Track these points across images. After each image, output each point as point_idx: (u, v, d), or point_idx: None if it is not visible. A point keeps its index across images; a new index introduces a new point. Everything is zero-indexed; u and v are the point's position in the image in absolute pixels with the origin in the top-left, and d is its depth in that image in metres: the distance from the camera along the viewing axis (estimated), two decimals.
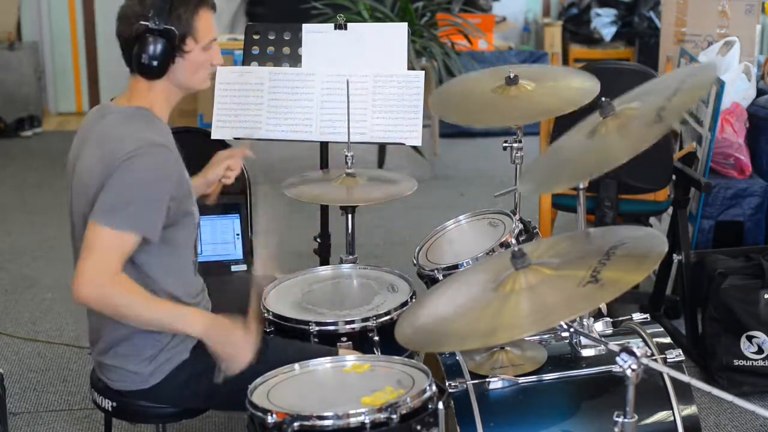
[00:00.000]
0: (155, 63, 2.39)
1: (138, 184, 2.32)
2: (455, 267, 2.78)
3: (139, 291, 2.34)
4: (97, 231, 2.30)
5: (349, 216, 3.06)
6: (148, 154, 2.33)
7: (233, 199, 3.57)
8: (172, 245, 2.43)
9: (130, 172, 2.31)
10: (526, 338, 2.44)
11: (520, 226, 2.90)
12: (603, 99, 2.33)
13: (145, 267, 2.40)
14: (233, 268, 3.63)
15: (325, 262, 3.43)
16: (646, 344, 2.38)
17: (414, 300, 2.66)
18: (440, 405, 2.09)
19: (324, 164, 3.48)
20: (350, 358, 2.31)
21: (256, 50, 3.39)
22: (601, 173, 2.22)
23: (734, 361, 3.52)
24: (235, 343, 2.37)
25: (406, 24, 3.33)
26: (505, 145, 3.05)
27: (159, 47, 2.38)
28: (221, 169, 2.83)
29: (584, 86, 2.83)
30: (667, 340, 2.43)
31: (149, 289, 2.38)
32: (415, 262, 2.93)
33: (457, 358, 2.38)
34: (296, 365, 2.29)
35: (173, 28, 2.39)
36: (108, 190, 2.31)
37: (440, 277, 2.76)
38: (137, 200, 2.32)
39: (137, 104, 2.45)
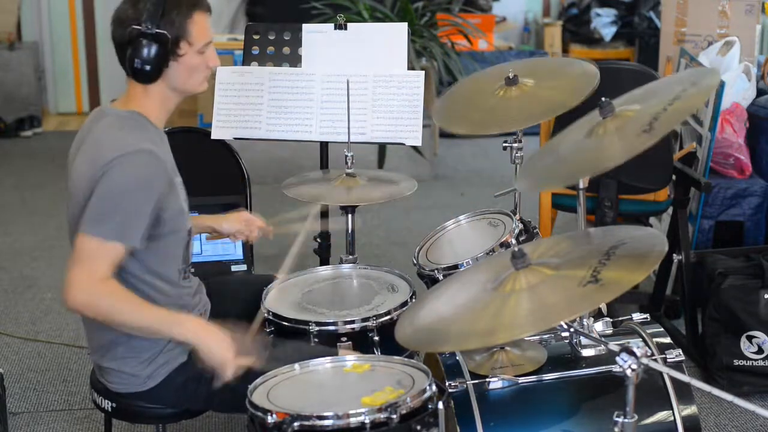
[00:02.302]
0: (148, 67, 2.36)
1: (121, 194, 2.31)
2: (455, 267, 2.78)
3: (129, 297, 2.33)
4: (85, 240, 2.31)
5: (349, 216, 3.06)
6: (128, 162, 2.31)
7: (233, 199, 3.57)
8: (156, 253, 2.41)
9: (112, 180, 2.30)
10: (526, 338, 2.44)
11: (520, 226, 2.90)
12: (603, 99, 2.32)
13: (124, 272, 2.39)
14: (233, 268, 3.63)
15: (325, 262, 3.43)
16: (646, 344, 2.38)
17: (414, 300, 2.66)
18: (440, 405, 2.09)
19: (324, 164, 3.48)
20: (350, 358, 2.31)
21: (256, 50, 3.39)
22: (595, 174, 2.23)
23: (734, 361, 3.52)
24: (223, 352, 2.32)
25: (406, 24, 3.33)
26: (505, 145, 3.05)
27: (152, 51, 2.35)
28: (234, 228, 2.83)
29: (583, 72, 2.81)
30: (667, 340, 2.42)
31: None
32: (415, 262, 2.93)
33: (457, 358, 2.38)
34: (296, 365, 2.29)
35: (166, 32, 2.35)
36: (94, 199, 2.31)
37: (440, 277, 2.76)
38: (122, 210, 2.31)
39: (133, 108, 2.43)
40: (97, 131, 2.41)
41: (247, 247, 3.63)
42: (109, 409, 2.55)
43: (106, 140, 2.36)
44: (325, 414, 2.04)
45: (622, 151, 2.14)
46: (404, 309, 2.58)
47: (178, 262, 2.48)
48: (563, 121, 2.89)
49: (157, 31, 2.35)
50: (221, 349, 2.33)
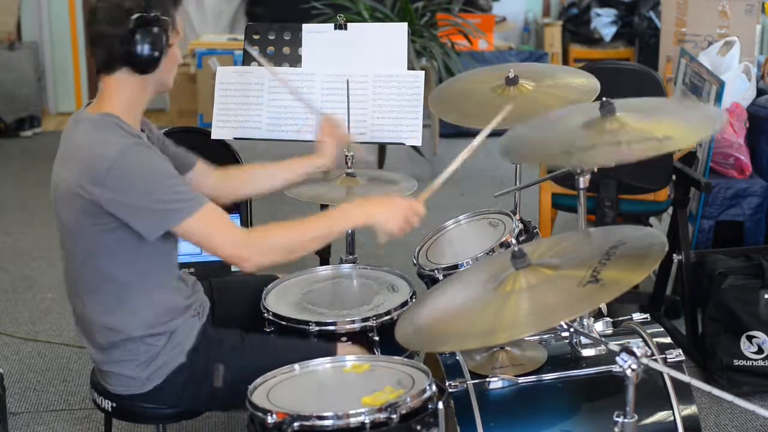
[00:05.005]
0: (156, 54, 2.34)
1: (152, 178, 2.29)
2: (455, 267, 2.77)
3: (282, 226, 2.39)
4: (191, 226, 2.30)
5: None
6: (130, 149, 2.30)
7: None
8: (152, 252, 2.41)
9: (131, 180, 2.28)
10: (526, 338, 2.44)
11: (520, 226, 2.89)
12: (605, 99, 2.32)
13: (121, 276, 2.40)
14: (233, 268, 3.63)
15: (325, 262, 3.43)
16: (646, 344, 2.38)
17: (414, 300, 2.66)
18: (440, 405, 2.09)
19: None
20: (350, 358, 2.31)
21: (256, 50, 3.38)
22: (576, 169, 2.22)
23: (734, 361, 3.52)
24: (398, 207, 2.42)
25: (406, 24, 3.33)
26: None
27: (159, 37, 2.33)
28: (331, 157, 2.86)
29: (584, 84, 2.82)
30: (667, 340, 2.43)
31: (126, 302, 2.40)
32: (415, 262, 2.93)
33: (457, 358, 2.38)
34: (296, 365, 2.29)
35: (166, 18, 2.36)
36: (141, 202, 2.28)
37: (440, 277, 2.76)
38: (168, 185, 2.30)
39: (107, 110, 2.39)
40: (76, 138, 2.40)
41: None
42: (110, 409, 2.55)
43: (92, 142, 2.33)
44: (325, 414, 2.04)
45: (612, 155, 2.14)
46: (404, 309, 2.58)
47: (174, 262, 2.50)
48: None
49: (161, 16, 2.34)
50: (394, 209, 2.42)
